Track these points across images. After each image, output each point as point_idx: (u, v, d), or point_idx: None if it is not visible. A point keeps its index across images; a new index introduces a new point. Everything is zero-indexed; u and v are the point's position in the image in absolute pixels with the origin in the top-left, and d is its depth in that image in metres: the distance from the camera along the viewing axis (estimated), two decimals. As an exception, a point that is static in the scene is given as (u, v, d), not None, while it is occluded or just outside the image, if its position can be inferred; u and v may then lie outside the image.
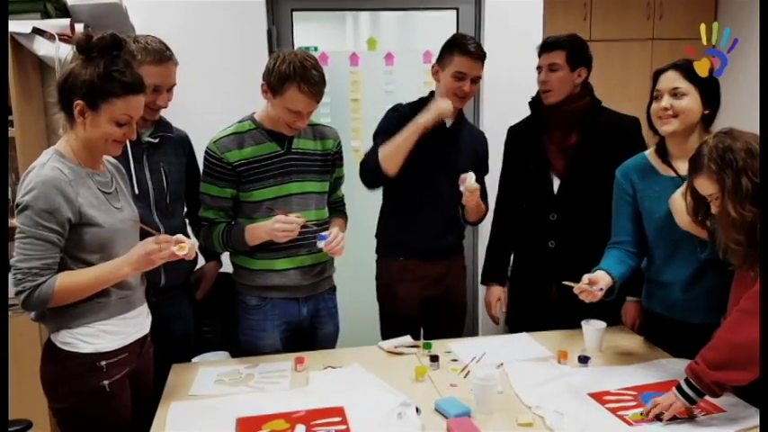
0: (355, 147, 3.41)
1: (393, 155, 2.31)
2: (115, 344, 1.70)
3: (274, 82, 1.99)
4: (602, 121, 2.39)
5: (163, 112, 2.13)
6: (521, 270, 2.57)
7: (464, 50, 2.36)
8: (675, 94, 1.92)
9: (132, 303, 1.77)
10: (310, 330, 2.27)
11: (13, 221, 1.61)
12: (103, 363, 1.66)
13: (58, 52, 2.53)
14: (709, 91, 1.91)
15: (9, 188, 2.46)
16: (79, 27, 2.58)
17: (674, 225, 1.90)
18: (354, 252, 2.60)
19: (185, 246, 1.70)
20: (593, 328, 2.10)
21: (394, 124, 2.36)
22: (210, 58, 3.05)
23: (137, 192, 2.01)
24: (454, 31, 3.28)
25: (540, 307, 2.43)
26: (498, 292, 2.60)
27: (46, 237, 1.57)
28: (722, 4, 3.90)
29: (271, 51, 3.15)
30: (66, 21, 2.58)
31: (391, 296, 2.57)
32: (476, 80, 2.40)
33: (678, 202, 1.85)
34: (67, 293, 1.60)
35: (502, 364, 1.99)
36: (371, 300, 2.67)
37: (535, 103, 2.47)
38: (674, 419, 1.63)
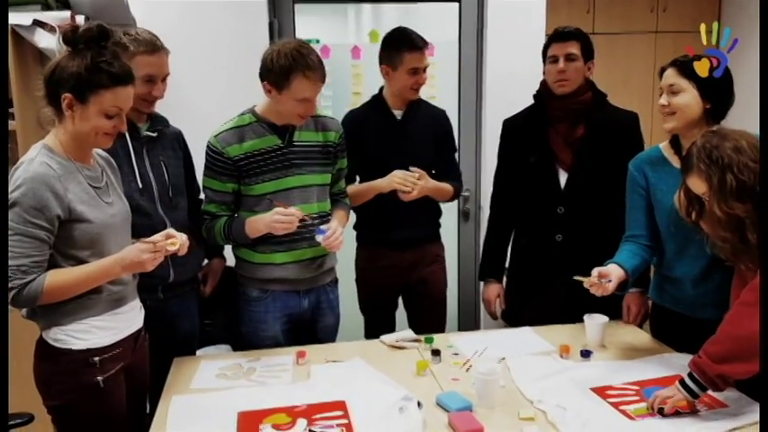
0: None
1: (354, 199, 2.46)
2: (108, 339, 1.68)
3: (277, 78, 1.99)
4: (606, 115, 2.38)
5: (166, 106, 2.12)
6: (524, 263, 2.54)
7: (413, 46, 2.42)
8: (672, 91, 1.91)
9: (124, 299, 1.75)
10: (311, 322, 2.28)
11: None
12: (97, 358, 1.65)
13: (59, 45, 2.52)
14: (709, 86, 1.88)
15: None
16: (80, 19, 2.57)
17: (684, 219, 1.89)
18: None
19: (176, 241, 1.68)
20: (595, 323, 2.10)
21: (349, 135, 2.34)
22: (212, 50, 3.03)
23: (140, 185, 2.01)
24: (456, 24, 3.29)
25: (544, 301, 2.41)
26: (497, 288, 2.59)
27: (35, 234, 1.54)
28: (726, -3, 3.87)
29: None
30: (67, 13, 2.57)
31: (365, 285, 2.67)
32: (425, 69, 2.48)
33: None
34: (57, 292, 1.58)
35: (504, 359, 1.99)
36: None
37: (541, 94, 2.44)
38: (676, 414, 1.62)
